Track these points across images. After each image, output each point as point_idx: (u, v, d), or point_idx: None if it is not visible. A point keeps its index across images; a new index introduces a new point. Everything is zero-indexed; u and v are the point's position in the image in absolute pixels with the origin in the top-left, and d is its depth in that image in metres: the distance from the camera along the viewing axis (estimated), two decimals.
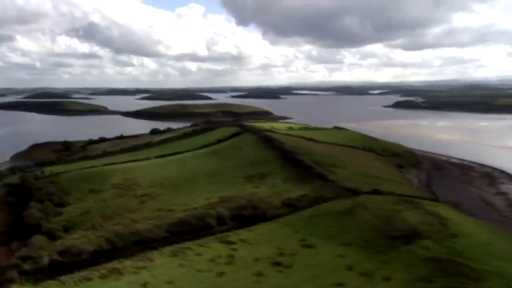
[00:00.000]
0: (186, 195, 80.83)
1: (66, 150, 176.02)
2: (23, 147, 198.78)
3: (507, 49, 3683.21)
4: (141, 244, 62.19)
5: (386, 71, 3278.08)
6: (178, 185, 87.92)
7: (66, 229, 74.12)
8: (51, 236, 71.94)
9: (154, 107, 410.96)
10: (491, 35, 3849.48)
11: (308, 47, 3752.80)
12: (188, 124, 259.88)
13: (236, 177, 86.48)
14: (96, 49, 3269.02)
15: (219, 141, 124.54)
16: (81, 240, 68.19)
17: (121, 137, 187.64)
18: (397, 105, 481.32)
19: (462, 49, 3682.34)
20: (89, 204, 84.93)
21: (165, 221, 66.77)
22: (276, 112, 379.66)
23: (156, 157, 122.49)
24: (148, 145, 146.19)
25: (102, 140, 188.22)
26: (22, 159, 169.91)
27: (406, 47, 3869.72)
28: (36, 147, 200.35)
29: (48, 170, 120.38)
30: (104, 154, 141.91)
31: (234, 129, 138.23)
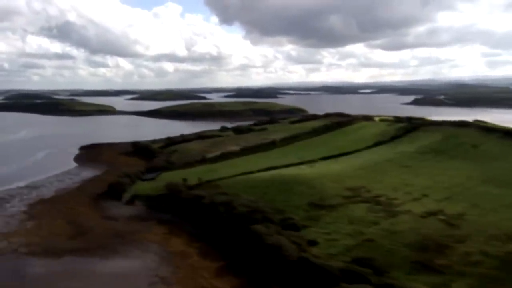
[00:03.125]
0: None
1: (141, 152, 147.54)
2: (72, 150, 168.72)
3: (482, 49, 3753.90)
4: None
5: (363, 72, 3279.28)
6: (465, 196, 63.66)
7: (378, 272, 48.43)
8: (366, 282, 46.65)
9: (173, 106, 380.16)
10: (470, 35, 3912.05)
11: (289, 47, 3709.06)
12: (229, 124, 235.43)
13: None
14: (70, 49, 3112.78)
15: (393, 138, 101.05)
16: None
17: (200, 137, 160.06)
18: (417, 102, 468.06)
19: (439, 49, 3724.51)
20: (347, 225, 60.09)
21: None
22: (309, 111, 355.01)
23: (321, 158, 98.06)
24: (273, 144, 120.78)
25: (173, 141, 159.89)
26: (91, 164, 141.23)
27: (386, 47, 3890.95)
28: (92, 149, 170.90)
29: (188, 176, 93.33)
30: (225, 156, 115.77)
31: (383, 125, 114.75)
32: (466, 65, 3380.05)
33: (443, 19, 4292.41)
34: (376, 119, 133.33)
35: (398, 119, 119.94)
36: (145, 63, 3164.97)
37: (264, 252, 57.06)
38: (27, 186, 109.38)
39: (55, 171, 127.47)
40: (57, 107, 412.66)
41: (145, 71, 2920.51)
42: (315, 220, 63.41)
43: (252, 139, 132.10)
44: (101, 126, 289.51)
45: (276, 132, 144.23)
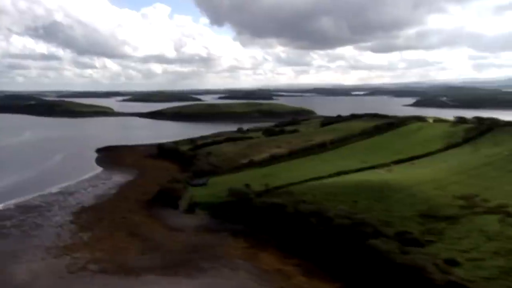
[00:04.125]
0: None
1: (167, 155, 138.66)
2: (88, 152, 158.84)
3: (469, 52, 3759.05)
4: None
5: (352, 74, 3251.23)
6: None
7: None
8: None
9: (176, 107, 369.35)
10: (459, 38, 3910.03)
11: (279, 49, 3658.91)
12: (244, 125, 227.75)
13: None
14: (56, 50, 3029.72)
15: (466, 140, 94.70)
16: None
17: (229, 139, 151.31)
18: (418, 103, 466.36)
19: (428, 51, 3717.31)
20: (486, 242, 52.89)
21: None
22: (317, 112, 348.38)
23: (394, 162, 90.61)
24: (322, 147, 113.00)
25: (200, 143, 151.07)
26: (118, 167, 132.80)
27: (376, 50, 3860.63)
28: (110, 151, 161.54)
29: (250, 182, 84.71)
30: (274, 159, 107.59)
31: (445, 126, 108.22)
32: (453, 68, 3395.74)
33: (433, 21, 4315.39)
34: (429, 119, 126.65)
35: (460, 120, 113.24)
36: (133, 64, 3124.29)
37: (395, 273, 48.94)
38: (60, 192, 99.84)
39: (83, 176, 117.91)
40: (52, 108, 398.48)
41: (133, 72, 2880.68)
42: (437, 234, 55.70)
43: (295, 142, 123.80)
44: (105, 128, 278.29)
45: (314, 134, 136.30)
